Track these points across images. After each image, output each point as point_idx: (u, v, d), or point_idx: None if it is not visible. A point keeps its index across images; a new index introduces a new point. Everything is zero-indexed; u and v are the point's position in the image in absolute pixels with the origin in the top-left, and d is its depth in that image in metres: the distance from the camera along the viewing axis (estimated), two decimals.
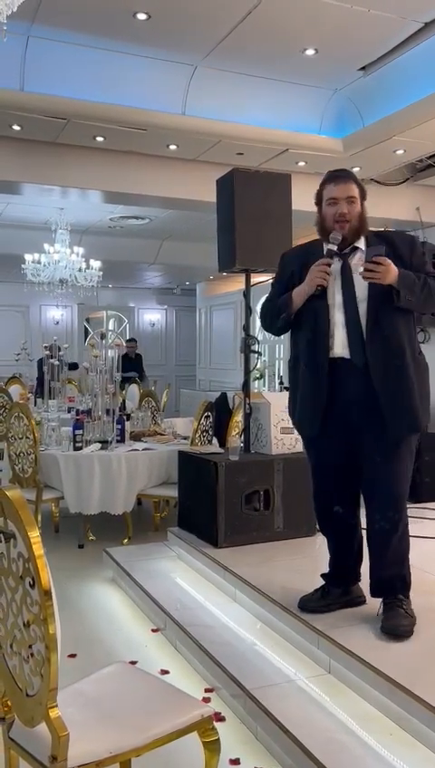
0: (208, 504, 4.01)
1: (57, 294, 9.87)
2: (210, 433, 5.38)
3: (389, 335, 2.73)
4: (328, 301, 2.81)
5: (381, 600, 2.88)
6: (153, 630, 3.52)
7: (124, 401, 6.46)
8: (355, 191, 2.82)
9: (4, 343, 12.02)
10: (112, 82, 5.21)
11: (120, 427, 5.31)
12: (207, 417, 5.30)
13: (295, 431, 4.16)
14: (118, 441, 5.23)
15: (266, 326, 3.08)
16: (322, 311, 2.81)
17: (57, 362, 7.28)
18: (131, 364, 11.16)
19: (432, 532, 4.15)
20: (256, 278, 4.55)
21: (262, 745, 2.45)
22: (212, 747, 1.88)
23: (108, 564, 4.39)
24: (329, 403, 2.81)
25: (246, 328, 4.38)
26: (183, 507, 4.48)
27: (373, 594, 2.91)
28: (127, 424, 5.51)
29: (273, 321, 2.99)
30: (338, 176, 2.86)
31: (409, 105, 5.17)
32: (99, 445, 5.02)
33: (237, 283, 12.34)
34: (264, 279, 4.70)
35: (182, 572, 4.03)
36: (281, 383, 10.53)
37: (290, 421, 4.14)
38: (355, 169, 6.60)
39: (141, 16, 4.48)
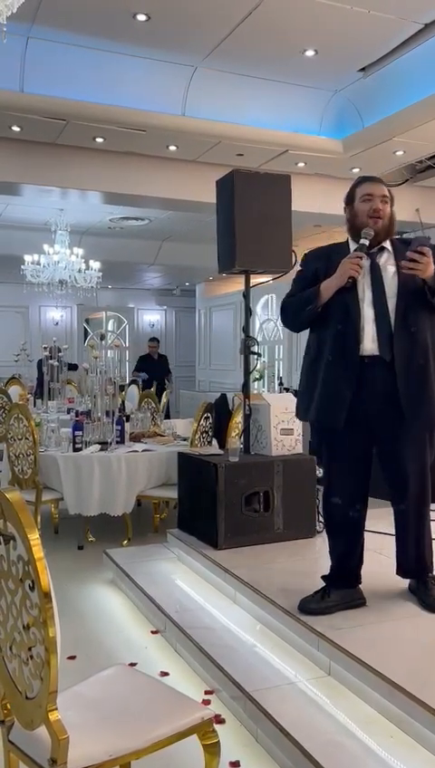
0: (208, 506, 4.00)
1: (57, 295, 9.87)
2: (210, 434, 5.37)
3: (415, 332, 2.80)
4: (358, 296, 2.86)
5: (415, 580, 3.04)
6: (153, 632, 3.51)
7: (124, 402, 6.45)
8: (387, 192, 2.93)
9: (4, 344, 12.02)
10: (112, 83, 5.21)
11: (119, 428, 5.31)
12: (207, 418, 5.29)
13: (294, 432, 4.21)
14: (117, 442, 5.23)
15: (288, 321, 3.10)
16: (353, 305, 2.85)
17: (56, 363, 7.28)
18: (154, 365, 10.56)
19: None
20: (255, 279, 4.55)
21: (262, 748, 2.44)
22: (212, 750, 1.88)
23: (108, 566, 4.38)
24: (354, 397, 2.84)
25: (246, 329, 4.37)
26: (183, 509, 4.47)
27: (405, 575, 3.08)
28: (127, 425, 5.50)
29: (296, 316, 3.01)
30: (372, 178, 2.98)
31: (409, 106, 5.18)
32: (98, 446, 5.01)
33: (237, 284, 12.34)
34: (263, 280, 4.70)
35: (182, 574, 4.03)
36: (280, 384, 10.52)
37: (289, 422, 4.18)
38: (355, 170, 6.61)
39: (141, 17, 4.49)
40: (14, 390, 8.03)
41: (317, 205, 6.88)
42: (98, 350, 5.50)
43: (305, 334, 3.11)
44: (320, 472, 4.24)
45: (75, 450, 4.98)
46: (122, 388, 7.47)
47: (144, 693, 1.97)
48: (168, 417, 9.16)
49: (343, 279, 2.80)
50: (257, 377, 10.81)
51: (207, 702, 2.70)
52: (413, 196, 7.24)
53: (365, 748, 2.24)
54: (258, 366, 10.35)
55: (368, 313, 2.84)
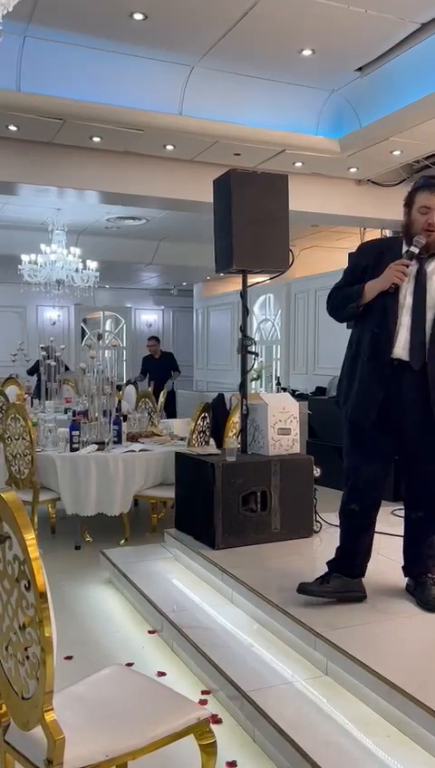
0: (205, 506, 4.00)
1: (54, 295, 9.86)
2: (207, 434, 5.37)
3: None
4: (399, 302, 2.90)
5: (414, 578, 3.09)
6: (150, 632, 3.51)
7: (120, 402, 6.44)
8: None
9: (1, 344, 12.00)
10: (109, 83, 5.20)
11: (116, 428, 5.30)
12: (205, 417, 5.29)
13: (292, 431, 4.21)
14: (114, 442, 5.22)
15: (331, 311, 3.13)
16: (391, 309, 2.89)
17: (54, 363, 7.27)
18: (155, 365, 10.26)
19: None
20: (253, 279, 4.55)
21: (259, 748, 2.44)
22: (209, 750, 1.88)
23: (104, 566, 4.37)
24: (384, 400, 2.91)
25: (244, 328, 4.37)
26: (180, 508, 4.47)
27: (406, 573, 3.14)
28: (124, 425, 5.50)
29: (338, 310, 3.07)
30: (432, 185, 2.89)
31: (406, 106, 5.18)
32: (95, 446, 5.01)
33: (234, 284, 12.35)
34: (261, 280, 4.69)
35: (179, 574, 4.02)
36: (278, 384, 10.53)
37: (287, 422, 4.18)
38: (352, 170, 6.62)
39: (138, 16, 4.48)
40: (11, 390, 8.02)
41: (314, 204, 6.88)
42: (95, 350, 5.49)
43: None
44: (317, 472, 4.25)
45: (72, 450, 4.98)
46: (119, 387, 7.44)
47: (141, 693, 1.97)
48: (171, 414, 9.08)
49: (386, 284, 2.86)
50: (255, 376, 10.81)
51: (203, 702, 2.70)
52: None
53: (362, 748, 2.23)
54: (256, 366, 10.35)
55: (405, 320, 2.89)
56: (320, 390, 8.84)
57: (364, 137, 5.78)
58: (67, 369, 9.22)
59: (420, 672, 2.47)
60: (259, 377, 11.14)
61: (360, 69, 5.28)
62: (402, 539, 3.20)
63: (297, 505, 4.12)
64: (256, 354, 4.42)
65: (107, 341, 7.48)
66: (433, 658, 2.62)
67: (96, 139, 5.74)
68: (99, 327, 14.93)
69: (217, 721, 2.58)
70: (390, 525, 3.36)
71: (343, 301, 3.02)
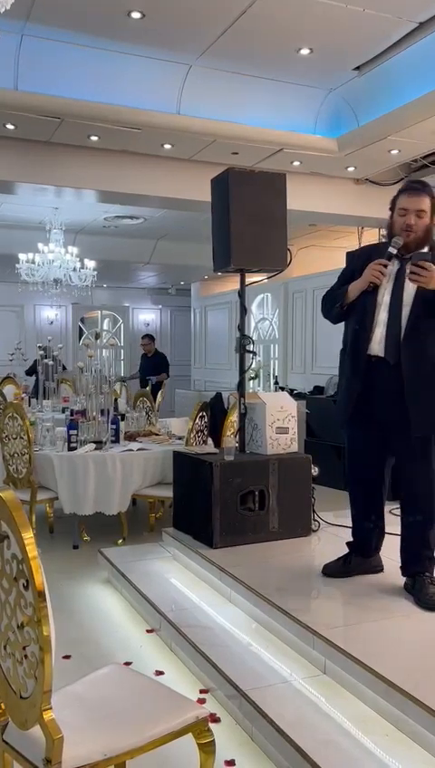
0: (203, 505, 4.00)
1: (51, 294, 9.84)
2: (205, 433, 5.37)
3: (424, 340, 2.93)
4: (377, 300, 3.02)
5: (411, 578, 3.10)
6: (148, 631, 3.51)
7: (117, 401, 6.43)
8: (426, 205, 2.98)
9: None
10: (107, 81, 5.20)
11: (114, 427, 5.30)
12: (203, 417, 5.29)
13: (290, 430, 4.21)
14: (112, 441, 5.22)
15: (324, 313, 3.31)
16: (370, 308, 3.03)
17: (51, 363, 7.26)
18: (147, 364, 10.08)
19: None
20: (250, 278, 4.54)
21: (257, 747, 2.44)
22: (207, 749, 1.88)
23: (103, 565, 4.37)
24: (363, 395, 3.05)
25: (241, 328, 4.37)
26: (178, 508, 4.47)
27: (403, 573, 3.14)
28: (121, 424, 5.50)
29: (328, 311, 3.24)
30: (413, 188, 3.03)
31: (403, 105, 5.18)
32: (93, 445, 5.00)
33: (232, 283, 12.36)
34: (258, 279, 4.69)
35: (177, 573, 4.02)
36: (276, 383, 10.53)
37: (285, 421, 4.19)
38: (350, 169, 6.62)
39: (136, 15, 4.47)
40: (8, 390, 8.01)
41: (312, 203, 6.89)
42: (93, 349, 5.49)
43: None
44: (315, 471, 4.26)
45: (70, 449, 4.97)
46: (123, 380, 7.41)
47: (139, 692, 1.97)
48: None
49: (365, 283, 3.01)
50: (253, 376, 10.81)
51: (202, 701, 2.70)
52: None
53: (361, 747, 2.24)
54: (254, 365, 10.33)
55: (382, 317, 3.00)
56: (318, 389, 8.84)
57: (362, 136, 5.78)
58: (64, 368, 9.19)
59: (418, 671, 2.47)
60: (257, 376, 11.15)
61: (358, 68, 5.29)
62: (399, 538, 3.22)
63: (295, 504, 4.12)
64: (254, 353, 4.42)
65: (105, 341, 7.48)
66: (431, 657, 2.62)
67: (94, 138, 5.74)
68: (96, 326, 14.91)
69: (216, 720, 2.58)
70: (388, 524, 3.36)
71: (331, 302, 3.19)
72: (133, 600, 3.83)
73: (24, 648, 1.63)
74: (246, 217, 4.10)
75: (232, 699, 2.64)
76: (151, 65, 5.17)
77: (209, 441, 5.40)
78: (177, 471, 4.47)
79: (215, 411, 5.91)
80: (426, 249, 3.01)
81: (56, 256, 9.14)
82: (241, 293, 4.38)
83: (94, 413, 5.16)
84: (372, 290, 3.00)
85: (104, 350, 5.98)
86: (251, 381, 10.64)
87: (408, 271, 2.87)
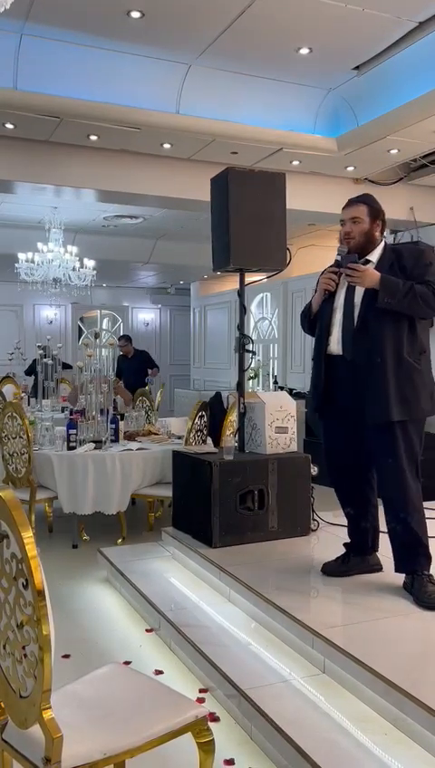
0: (203, 504, 4.00)
1: (51, 294, 9.83)
2: (205, 432, 5.37)
3: (374, 336, 3.09)
4: (334, 304, 3.28)
5: (410, 576, 3.11)
6: (147, 631, 3.51)
7: (115, 401, 6.43)
8: (361, 212, 3.22)
9: None
10: (106, 81, 5.19)
11: (113, 426, 5.30)
12: (202, 416, 5.29)
13: (289, 430, 4.21)
14: (112, 441, 5.22)
15: (303, 328, 3.57)
16: (327, 313, 3.30)
17: (51, 362, 7.26)
18: (129, 365, 9.65)
19: (430, 532, 4.14)
20: (250, 277, 4.55)
21: (256, 746, 2.45)
22: (207, 748, 1.88)
23: (102, 564, 4.37)
24: (328, 392, 3.27)
25: (241, 327, 4.37)
26: (177, 507, 4.47)
27: (397, 570, 3.16)
28: (121, 423, 5.50)
29: (303, 324, 3.53)
30: (350, 201, 3.29)
31: (403, 104, 5.18)
32: (93, 444, 5.00)
33: (232, 283, 12.35)
34: (258, 278, 4.69)
35: (176, 572, 4.03)
36: (275, 382, 10.52)
37: (284, 420, 4.19)
38: (349, 169, 6.61)
39: (135, 15, 4.47)
40: (8, 389, 8.01)
41: (312, 203, 6.88)
42: (92, 349, 5.49)
43: (301, 332, 3.64)
44: (315, 470, 4.26)
45: (70, 449, 4.97)
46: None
47: (138, 691, 1.97)
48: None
49: (321, 292, 3.32)
50: (252, 375, 10.81)
51: (201, 700, 2.70)
52: (407, 195, 7.24)
53: (360, 745, 2.24)
54: (253, 364, 10.33)
55: (338, 318, 3.25)
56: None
57: (361, 135, 5.78)
58: (67, 366, 9.11)
59: (417, 670, 2.48)
60: (256, 375, 11.15)
61: (357, 67, 5.28)
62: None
63: (294, 504, 4.12)
64: (254, 353, 4.43)
65: (104, 340, 7.47)
66: (430, 656, 2.63)
67: (93, 138, 5.74)
68: (96, 326, 14.90)
69: (215, 719, 2.58)
70: (382, 524, 3.35)
71: (302, 316, 3.50)
72: (132, 599, 3.83)
73: (23, 648, 1.64)
74: (246, 217, 4.10)
75: (231, 698, 2.64)
76: (151, 65, 5.17)
77: (209, 441, 5.40)
78: (176, 470, 4.48)
79: (214, 411, 5.91)
80: (378, 250, 3.21)
81: (55, 256, 9.13)
82: (240, 293, 4.38)
83: (94, 413, 5.16)
84: (329, 296, 3.29)
85: (103, 350, 5.97)
86: (250, 381, 10.64)
87: (344, 275, 3.13)
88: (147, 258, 11.11)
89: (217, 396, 7.84)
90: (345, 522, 3.53)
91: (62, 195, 6.87)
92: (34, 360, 8.29)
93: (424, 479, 3.17)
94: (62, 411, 6.62)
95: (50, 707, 1.60)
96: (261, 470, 4.05)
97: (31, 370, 9.45)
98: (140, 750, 1.74)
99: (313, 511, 4.28)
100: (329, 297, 3.28)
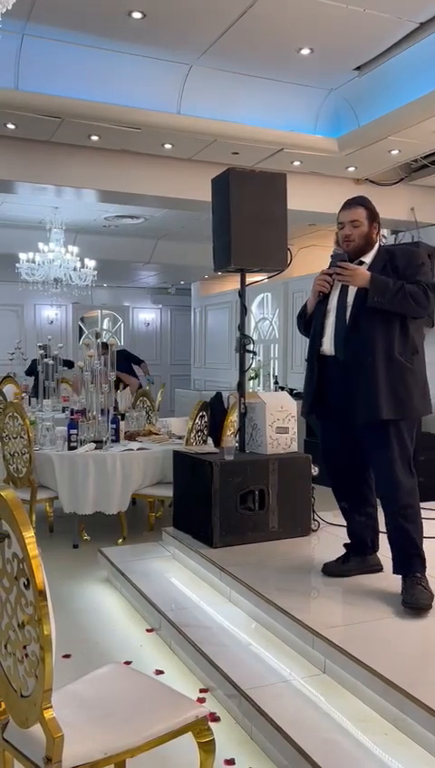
0: (203, 504, 4.00)
1: (52, 294, 9.83)
2: (205, 433, 5.37)
3: (365, 336, 3.11)
4: (328, 306, 3.31)
5: (401, 577, 3.10)
6: (148, 630, 3.51)
7: (116, 400, 6.43)
8: (360, 215, 3.26)
9: None
10: (107, 81, 5.19)
11: (114, 426, 5.30)
12: (202, 416, 5.29)
13: (290, 430, 4.22)
14: (112, 441, 5.22)
15: (299, 330, 3.61)
16: (320, 314, 3.34)
17: (51, 362, 7.26)
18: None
19: (429, 533, 4.14)
20: (251, 278, 4.55)
21: (257, 746, 2.45)
22: (207, 748, 1.88)
23: (103, 564, 4.38)
24: (321, 392, 3.30)
25: (242, 327, 4.37)
26: (178, 507, 4.47)
27: (396, 571, 3.14)
28: (121, 423, 5.50)
29: (299, 326, 3.58)
30: (348, 203, 3.32)
31: (404, 105, 5.17)
32: (93, 444, 5.01)
33: (233, 283, 12.35)
34: (259, 278, 4.69)
35: (177, 572, 4.03)
36: (276, 383, 10.52)
37: (285, 421, 4.19)
38: (350, 169, 6.61)
39: (137, 15, 4.47)
40: (8, 389, 8.01)
41: (312, 203, 6.88)
42: (93, 349, 5.49)
43: (300, 334, 3.61)
44: (315, 470, 4.26)
45: (70, 449, 4.98)
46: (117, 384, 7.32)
47: (139, 691, 1.97)
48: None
49: (314, 294, 3.36)
50: (253, 375, 10.81)
51: (202, 700, 2.71)
52: (408, 196, 7.24)
53: (360, 745, 2.24)
54: (254, 364, 10.33)
55: (331, 319, 3.28)
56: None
57: (362, 136, 5.78)
58: (71, 364, 9.00)
59: (417, 670, 2.48)
60: (257, 376, 11.15)
61: (358, 68, 5.28)
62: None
63: (295, 504, 4.12)
64: (254, 353, 4.43)
65: (104, 340, 7.45)
66: (430, 656, 2.63)
67: (94, 138, 5.74)
68: (96, 326, 14.90)
69: (216, 719, 2.59)
70: (381, 524, 3.36)
71: (299, 317, 3.55)
72: (133, 599, 3.83)
73: (24, 647, 1.64)
74: (247, 217, 4.10)
75: (232, 698, 2.65)
76: (152, 65, 5.17)
77: (209, 441, 5.41)
78: (177, 470, 4.48)
79: (215, 411, 5.91)
80: (373, 252, 3.24)
81: (56, 256, 9.13)
82: (241, 293, 4.38)
83: (94, 412, 5.16)
84: (323, 298, 3.32)
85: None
86: (251, 381, 10.64)
87: (334, 274, 3.15)
88: (148, 258, 11.11)
89: (218, 396, 7.84)
90: (345, 522, 3.53)
91: (62, 195, 6.87)
92: (34, 361, 8.29)
93: (424, 479, 3.18)
94: (63, 411, 6.62)
95: (51, 707, 1.60)
96: (261, 470, 4.05)
97: (31, 371, 9.44)
98: (140, 750, 1.74)
99: (313, 511, 4.28)
100: (323, 299, 3.32)
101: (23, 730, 1.70)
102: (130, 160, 6.22)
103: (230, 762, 2.34)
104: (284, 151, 6.01)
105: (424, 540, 3.12)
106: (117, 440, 5.29)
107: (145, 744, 1.75)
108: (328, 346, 3.26)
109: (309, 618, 2.90)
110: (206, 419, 5.36)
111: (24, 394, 7.53)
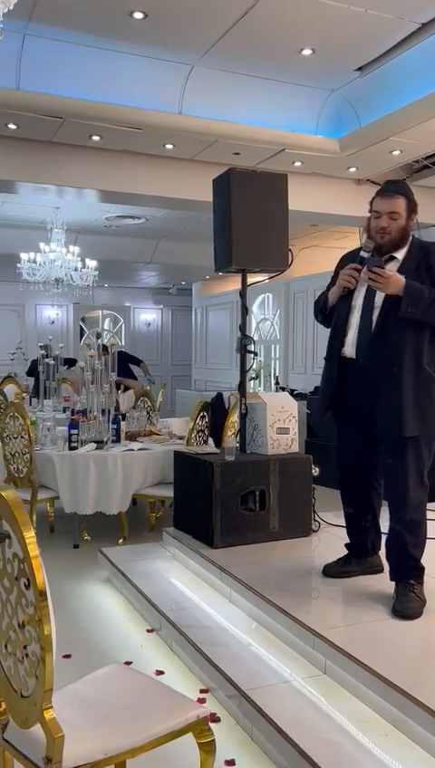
0: (204, 505, 4.00)
1: (53, 294, 9.84)
2: (206, 433, 5.37)
3: (392, 342, 2.91)
4: (352, 303, 3.08)
5: (394, 583, 3.05)
6: (148, 631, 3.51)
7: (117, 401, 6.43)
8: (400, 206, 2.98)
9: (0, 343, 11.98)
10: (109, 81, 5.20)
11: (115, 426, 5.30)
12: (203, 417, 5.29)
13: (290, 431, 4.21)
14: (113, 441, 5.22)
15: (316, 317, 3.39)
16: (344, 311, 3.11)
17: (52, 362, 7.26)
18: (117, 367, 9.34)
19: (429, 533, 4.14)
20: (252, 278, 4.55)
21: (257, 746, 2.45)
22: (207, 748, 1.88)
23: (103, 564, 4.38)
24: (338, 396, 3.14)
25: (242, 328, 4.37)
26: (178, 507, 4.47)
27: (391, 578, 3.10)
28: (122, 424, 5.50)
29: (316, 315, 3.35)
30: (386, 190, 3.03)
31: (405, 106, 5.18)
32: (94, 444, 5.01)
33: (233, 283, 12.35)
34: (260, 279, 4.69)
35: (177, 573, 4.03)
36: (277, 383, 10.53)
37: (286, 421, 4.19)
38: (351, 170, 6.62)
39: (138, 15, 4.48)
40: (9, 389, 8.01)
41: (314, 204, 6.89)
42: (94, 349, 5.49)
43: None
44: (316, 471, 4.26)
45: (71, 449, 4.98)
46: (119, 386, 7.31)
47: (139, 691, 1.97)
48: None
49: (339, 288, 3.10)
50: (254, 376, 10.81)
51: (202, 700, 2.70)
52: None
53: (360, 746, 2.24)
54: (255, 365, 10.34)
55: (355, 319, 3.06)
56: (318, 390, 8.82)
57: (364, 136, 5.78)
58: (73, 362, 8.93)
59: (417, 671, 2.48)
60: (258, 376, 11.15)
61: (360, 69, 5.29)
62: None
63: (296, 505, 4.12)
64: (255, 353, 4.43)
65: (105, 340, 7.47)
66: (431, 657, 2.63)
67: (95, 138, 5.74)
68: (97, 326, 14.92)
69: (216, 719, 2.58)
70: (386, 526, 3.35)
71: (317, 307, 3.31)
72: (133, 599, 3.83)
73: (24, 648, 1.64)
74: (248, 218, 4.10)
75: (232, 699, 2.65)
76: (153, 65, 5.17)
77: (210, 441, 5.40)
78: (177, 471, 4.48)
79: (215, 411, 5.92)
80: (405, 249, 3.00)
81: (57, 256, 9.14)
82: (242, 294, 4.38)
83: (95, 413, 5.16)
84: (348, 294, 3.07)
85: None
86: (252, 381, 10.64)
87: (366, 277, 2.89)
88: (149, 258, 11.12)
89: (219, 396, 7.85)
90: (346, 525, 3.46)
91: (64, 195, 6.89)
92: (35, 361, 8.28)
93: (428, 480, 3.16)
94: (64, 411, 6.62)
95: (51, 707, 1.60)
96: (262, 471, 4.05)
97: (32, 371, 9.44)
98: (141, 750, 1.74)
99: (314, 512, 4.28)
100: (348, 293, 3.07)
101: (23, 730, 1.70)
102: (132, 160, 6.23)
103: (230, 762, 2.34)
104: (285, 152, 6.02)
105: (426, 545, 3.09)
106: (118, 440, 5.29)
107: (146, 745, 1.75)
108: (350, 348, 3.05)
109: (310, 618, 2.89)
110: (207, 420, 5.36)
111: (24, 394, 7.54)
